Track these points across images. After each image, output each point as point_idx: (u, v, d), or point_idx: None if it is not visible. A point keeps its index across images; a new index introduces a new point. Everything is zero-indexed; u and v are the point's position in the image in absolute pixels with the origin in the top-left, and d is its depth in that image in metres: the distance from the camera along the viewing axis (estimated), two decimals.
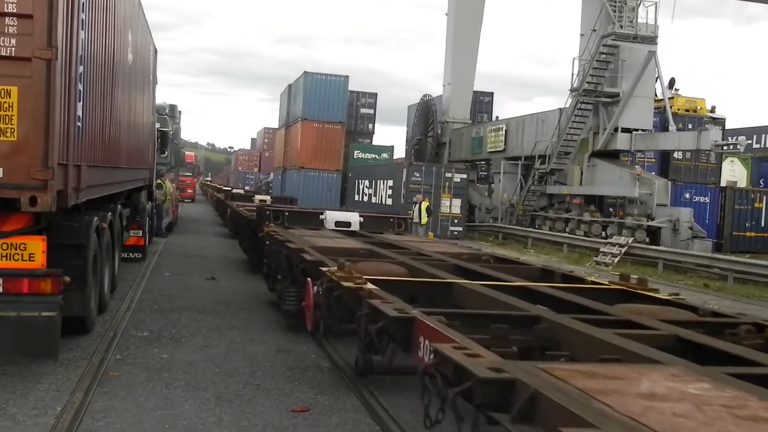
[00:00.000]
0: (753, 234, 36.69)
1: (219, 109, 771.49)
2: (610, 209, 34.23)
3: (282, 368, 8.66)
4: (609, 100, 33.72)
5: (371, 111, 56.95)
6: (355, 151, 52.75)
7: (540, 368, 3.70)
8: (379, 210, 29.37)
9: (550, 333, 5.22)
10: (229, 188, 46.96)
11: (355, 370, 7.04)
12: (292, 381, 8.11)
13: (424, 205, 29.10)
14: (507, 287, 7.06)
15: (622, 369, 3.95)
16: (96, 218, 9.73)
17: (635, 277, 7.73)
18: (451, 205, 35.48)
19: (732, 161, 42.72)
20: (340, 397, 7.57)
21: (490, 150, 42.77)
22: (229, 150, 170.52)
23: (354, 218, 14.96)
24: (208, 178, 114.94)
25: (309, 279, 8.51)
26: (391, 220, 15.84)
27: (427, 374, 4.18)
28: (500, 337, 4.97)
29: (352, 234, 13.67)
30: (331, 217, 14.83)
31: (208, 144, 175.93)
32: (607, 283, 7.95)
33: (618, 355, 4.40)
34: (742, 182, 41.89)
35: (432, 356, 4.29)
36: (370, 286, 6.31)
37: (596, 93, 33.70)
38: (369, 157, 52.42)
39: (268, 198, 28.52)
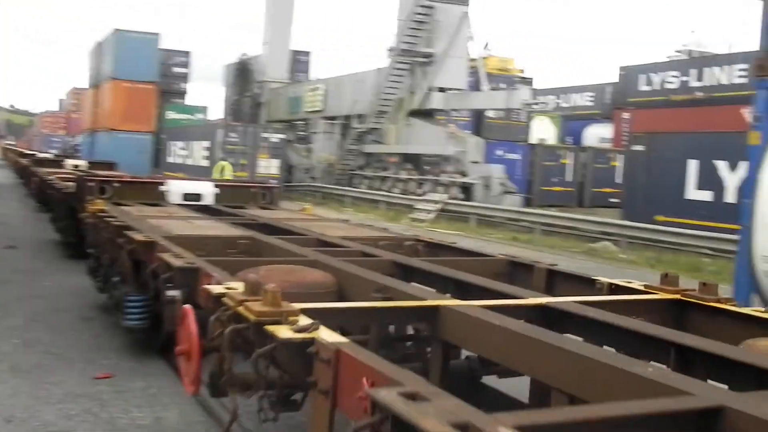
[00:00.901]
0: (559, 189, 38.66)
1: (22, 68, 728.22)
2: (426, 167, 35.03)
3: (86, 336, 8.25)
4: (425, 60, 34.30)
5: (185, 70, 55.30)
6: (168, 112, 51.08)
7: None
8: (194, 174, 28.58)
9: None
10: (34, 153, 43.92)
11: None
12: (97, 349, 7.73)
13: (218, 166, 29.09)
14: (515, 308, 4.12)
15: None
16: None
17: (677, 274, 4.70)
18: (269, 166, 35.20)
19: (542, 119, 44.72)
20: (146, 362, 7.29)
21: (308, 110, 42.71)
22: (32, 112, 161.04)
23: (207, 189, 12.03)
24: (12, 142, 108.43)
25: (187, 306, 4.45)
26: (253, 190, 12.79)
27: None
28: None
29: (208, 210, 10.87)
30: (177, 188, 11.87)
31: (10, 106, 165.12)
32: (642, 288, 4.82)
33: None
34: (552, 140, 44.00)
35: None
36: (331, 337, 3.00)
37: (412, 53, 34.19)
38: (183, 118, 50.81)
39: (83, 163, 26.29)
